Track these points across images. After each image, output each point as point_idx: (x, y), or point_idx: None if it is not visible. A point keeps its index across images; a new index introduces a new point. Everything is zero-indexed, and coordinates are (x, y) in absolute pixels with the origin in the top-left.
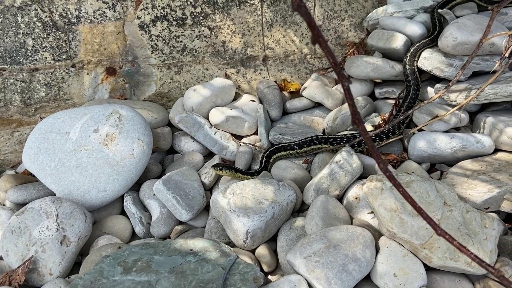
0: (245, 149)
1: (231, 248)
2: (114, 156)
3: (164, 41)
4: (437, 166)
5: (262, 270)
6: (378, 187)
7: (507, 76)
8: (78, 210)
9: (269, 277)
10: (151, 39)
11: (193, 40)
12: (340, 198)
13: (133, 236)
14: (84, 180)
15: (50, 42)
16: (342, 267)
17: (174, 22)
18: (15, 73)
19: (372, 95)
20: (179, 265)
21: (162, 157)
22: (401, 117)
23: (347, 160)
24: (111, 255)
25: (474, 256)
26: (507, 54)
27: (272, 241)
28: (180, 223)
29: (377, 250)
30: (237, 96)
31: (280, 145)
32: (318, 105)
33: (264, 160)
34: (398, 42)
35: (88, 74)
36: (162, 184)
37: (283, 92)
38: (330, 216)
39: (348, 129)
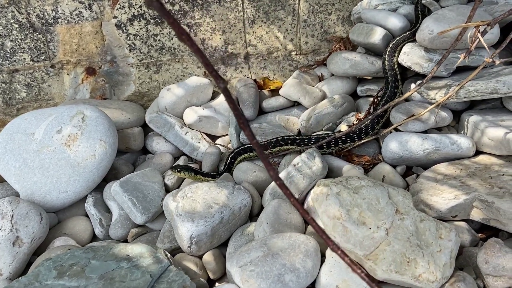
0: (212, 150)
1: (169, 255)
2: (76, 157)
3: (141, 40)
4: (414, 169)
5: (208, 277)
6: (324, 192)
7: (493, 71)
8: (34, 211)
9: (216, 284)
10: (128, 38)
11: (172, 39)
12: (302, 203)
13: (94, 237)
14: (46, 180)
15: (28, 43)
16: (277, 277)
17: (152, 21)
18: None
19: (355, 93)
20: (111, 271)
21: (136, 157)
22: (370, 117)
23: (306, 162)
24: (53, 258)
25: (364, 275)
26: (473, 48)
27: (224, 247)
28: (138, 225)
29: (325, 260)
30: (216, 95)
31: (246, 146)
32: (297, 104)
33: (228, 161)
34: (376, 36)
35: (68, 74)
36: (119, 186)
37: (263, 90)
38: (280, 222)
39: (323, 129)
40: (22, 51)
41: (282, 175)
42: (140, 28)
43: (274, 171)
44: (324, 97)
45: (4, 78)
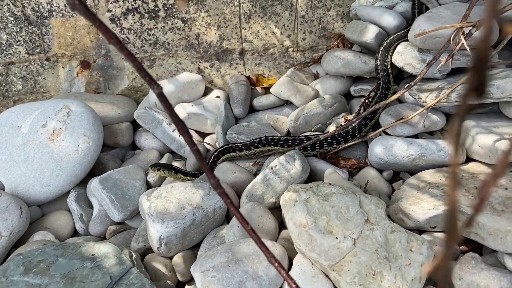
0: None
1: (134, 256)
2: (59, 152)
3: (135, 34)
4: (401, 175)
5: (178, 280)
6: (292, 198)
7: (488, 74)
8: (15, 205)
9: (186, 287)
10: (122, 32)
11: (166, 33)
12: (279, 207)
13: (76, 233)
14: (30, 174)
15: (24, 36)
16: (238, 285)
17: (146, 15)
18: None
19: (350, 93)
20: (74, 270)
21: (125, 152)
22: (355, 120)
23: (284, 165)
24: (24, 254)
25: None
26: (456, 51)
27: (198, 248)
28: (117, 223)
29: (292, 267)
30: (209, 92)
31: (230, 145)
32: (289, 103)
33: (211, 161)
34: (369, 34)
35: (63, 67)
36: (99, 182)
37: (256, 88)
38: (252, 226)
39: (312, 130)
40: (18, 44)
41: (259, 177)
42: (134, 22)
43: (215, 179)
44: (316, 96)
45: (0, 70)
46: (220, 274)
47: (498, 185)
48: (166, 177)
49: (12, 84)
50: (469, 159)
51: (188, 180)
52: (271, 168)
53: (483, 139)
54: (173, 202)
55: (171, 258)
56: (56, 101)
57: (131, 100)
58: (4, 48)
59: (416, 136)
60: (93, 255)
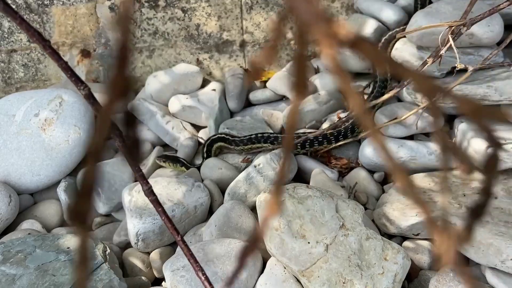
0: (187, 142)
1: (109, 251)
2: (50, 141)
3: (135, 24)
4: (394, 177)
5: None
6: (267, 200)
7: (489, 74)
8: (4, 193)
9: (163, 283)
10: None
11: (166, 23)
12: None
13: (64, 223)
14: (22, 163)
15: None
16: None
17: (146, 4)
18: None
19: None
20: (48, 263)
21: None
22: (344, 119)
23: (269, 164)
24: (6, 242)
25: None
26: (443, 51)
27: (177, 244)
28: (103, 215)
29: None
30: (207, 84)
31: (223, 135)
32: (286, 98)
33: (206, 149)
34: (367, 29)
35: (63, 56)
36: None
37: (255, 81)
38: (230, 225)
39: (306, 127)
40: (19, 31)
41: (242, 175)
42: (134, 11)
43: (147, 185)
44: (314, 92)
45: (3, 57)
46: (189, 274)
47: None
48: (154, 170)
49: (15, 72)
50: None
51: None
52: (255, 167)
53: (478, 143)
54: None
55: (148, 253)
56: (51, 90)
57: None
58: (6, 36)
59: (412, 137)
60: (68, 248)
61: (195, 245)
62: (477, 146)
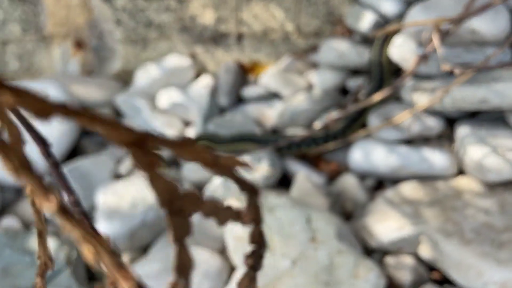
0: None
1: (76, 256)
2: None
3: (129, 15)
4: (387, 184)
5: None
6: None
7: (491, 75)
8: None
9: None
10: (115, 12)
11: (160, 14)
12: None
13: (46, 220)
14: None
15: (20, 15)
16: None
17: None
18: None
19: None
20: (12, 264)
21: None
22: (333, 120)
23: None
24: None
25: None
26: (428, 52)
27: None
28: None
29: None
30: (200, 78)
31: (213, 133)
32: (279, 95)
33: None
34: (365, 22)
35: (58, 47)
36: (67, 171)
37: (250, 76)
38: (200, 231)
39: (298, 127)
40: (13, 22)
41: (219, 180)
42: (128, 2)
43: (74, 195)
44: (309, 89)
45: None
46: (151, 282)
47: (479, 208)
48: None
49: (10, 63)
50: (462, 172)
51: None
52: None
53: (474, 151)
54: (127, 199)
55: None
56: (37, 84)
57: (119, 84)
58: (0, 26)
59: (409, 142)
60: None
61: (160, 253)
62: (472, 154)
